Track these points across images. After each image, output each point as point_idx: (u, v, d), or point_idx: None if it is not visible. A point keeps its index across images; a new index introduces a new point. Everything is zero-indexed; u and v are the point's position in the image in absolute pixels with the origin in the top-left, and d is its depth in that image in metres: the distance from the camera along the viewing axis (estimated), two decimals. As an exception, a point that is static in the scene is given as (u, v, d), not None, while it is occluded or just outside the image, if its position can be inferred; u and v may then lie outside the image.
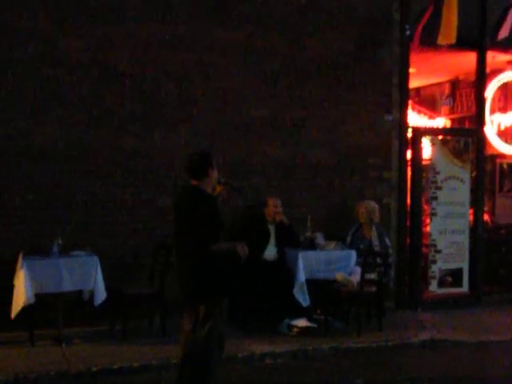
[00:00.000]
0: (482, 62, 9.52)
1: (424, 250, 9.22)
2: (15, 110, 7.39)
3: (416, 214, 9.12)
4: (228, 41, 8.20)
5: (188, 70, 8.04)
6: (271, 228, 8.13)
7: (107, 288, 7.08)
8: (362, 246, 8.17)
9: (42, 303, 6.86)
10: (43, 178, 7.51)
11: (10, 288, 6.78)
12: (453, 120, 11.46)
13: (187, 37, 8.03)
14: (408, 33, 8.91)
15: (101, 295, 6.99)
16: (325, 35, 8.62)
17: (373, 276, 7.70)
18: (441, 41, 8.58)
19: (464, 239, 9.29)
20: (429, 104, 11.99)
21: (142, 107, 7.87)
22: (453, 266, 9.25)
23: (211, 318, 5.07)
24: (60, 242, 7.04)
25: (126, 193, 7.79)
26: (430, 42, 8.84)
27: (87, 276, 6.96)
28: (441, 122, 11.58)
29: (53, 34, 7.49)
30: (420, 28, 8.81)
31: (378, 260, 7.78)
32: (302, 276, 7.63)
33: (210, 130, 8.10)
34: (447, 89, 11.69)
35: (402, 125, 9.00)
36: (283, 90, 8.47)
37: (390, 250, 8.40)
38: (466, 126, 10.82)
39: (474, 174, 9.51)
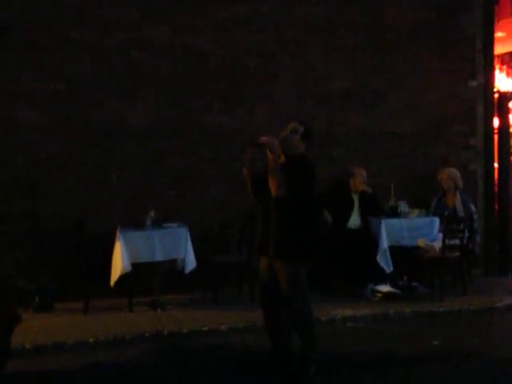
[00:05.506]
0: None
1: (513, 216, 9.11)
2: (108, 92, 7.88)
3: (504, 180, 9.01)
4: (307, 16, 8.40)
5: (269, 46, 8.31)
6: (355, 197, 8.30)
7: (198, 258, 7.47)
8: (446, 213, 8.16)
9: (138, 272, 7.36)
10: (136, 155, 8.00)
11: (109, 258, 7.33)
12: (548, 83, 11.10)
13: (268, 14, 8.30)
14: (492, -3, 8.80)
15: (191, 264, 7.41)
16: (404, 3, 8.64)
17: (456, 242, 7.71)
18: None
19: (556, 204, 9.10)
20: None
21: (225, 85, 8.21)
22: (545, 231, 9.09)
23: None
24: (153, 214, 7.48)
25: (213, 167, 8.19)
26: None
27: (178, 246, 7.37)
28: (538, 86, 11.24)
29: (139, 21, 7.94)
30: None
31: (462, 226, 7.78)
32: (384, 243, 7.76)
33: (292, 103, 8.32)
34: (543, 52, 11.33)
35: (488, 90, 8.89)
36: (364, 60, 8.59)
37: (475, 216, 8.34)
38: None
39: None
